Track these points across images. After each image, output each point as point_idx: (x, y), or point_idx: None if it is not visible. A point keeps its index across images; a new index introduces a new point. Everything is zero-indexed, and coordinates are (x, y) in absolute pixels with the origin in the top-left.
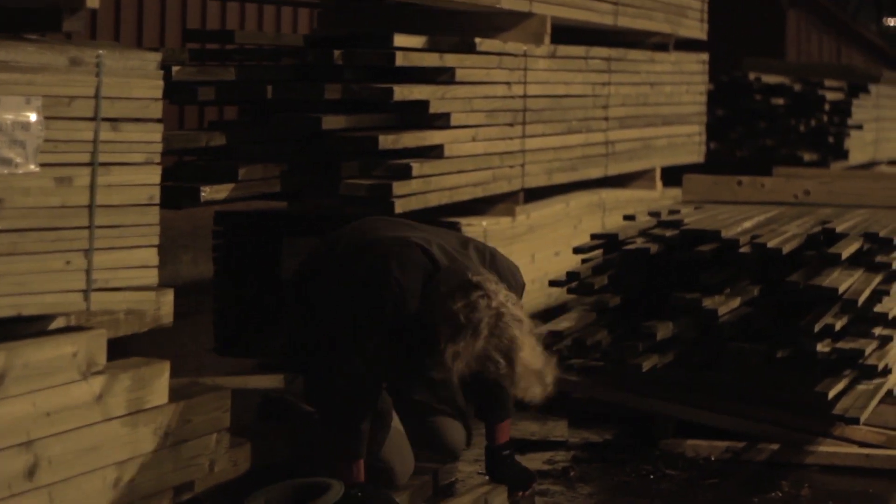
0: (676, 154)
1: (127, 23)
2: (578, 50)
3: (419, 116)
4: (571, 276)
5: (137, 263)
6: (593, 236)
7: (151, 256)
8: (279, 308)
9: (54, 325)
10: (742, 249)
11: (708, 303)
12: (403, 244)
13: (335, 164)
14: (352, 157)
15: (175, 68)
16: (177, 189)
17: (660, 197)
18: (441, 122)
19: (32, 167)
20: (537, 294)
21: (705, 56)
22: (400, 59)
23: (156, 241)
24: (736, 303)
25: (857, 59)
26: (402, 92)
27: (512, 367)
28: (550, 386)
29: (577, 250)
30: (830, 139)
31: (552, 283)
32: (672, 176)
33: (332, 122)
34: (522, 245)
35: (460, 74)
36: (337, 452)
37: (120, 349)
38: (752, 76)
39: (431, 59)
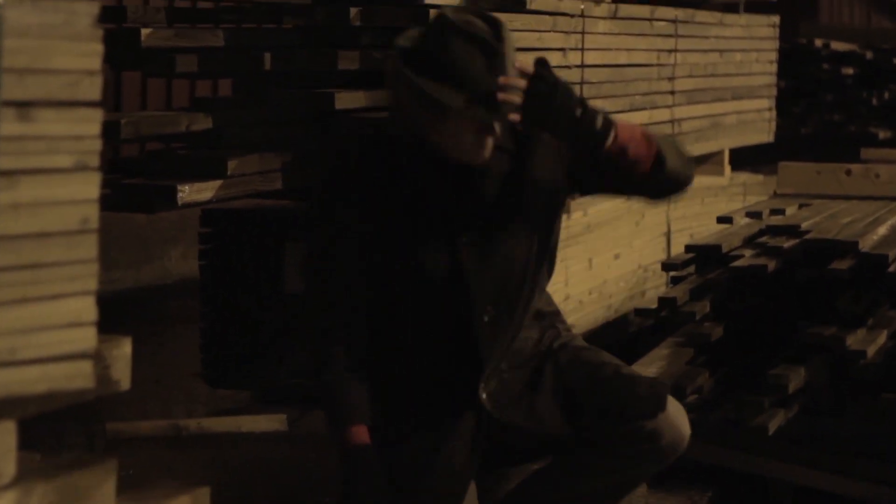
0: (745, 133)
1: None
2: (643, 10)
3: None
4: (665, 302)
5: (64, 321)
6: (688, 248)
7: (86, 308)
8: (283, 328)
9: None
10: (892, 268)
11: (851, 340)
12: None
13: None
14: None
15: (145, 31)
16: (147, 188)
17: (728, 184)
18: None
19: None
20: (595, 305)
21: (776, 19)
22: None
23: (93, 284)
24: (882, 338)
25: (886, 25)
26: None
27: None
28: None
29: (666, 267)
30: None
31: (639, 312)
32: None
33: (347, 99)
34: (578, 248)
35: None
36: (329, 416)
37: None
38: (818, 43)
39: None
